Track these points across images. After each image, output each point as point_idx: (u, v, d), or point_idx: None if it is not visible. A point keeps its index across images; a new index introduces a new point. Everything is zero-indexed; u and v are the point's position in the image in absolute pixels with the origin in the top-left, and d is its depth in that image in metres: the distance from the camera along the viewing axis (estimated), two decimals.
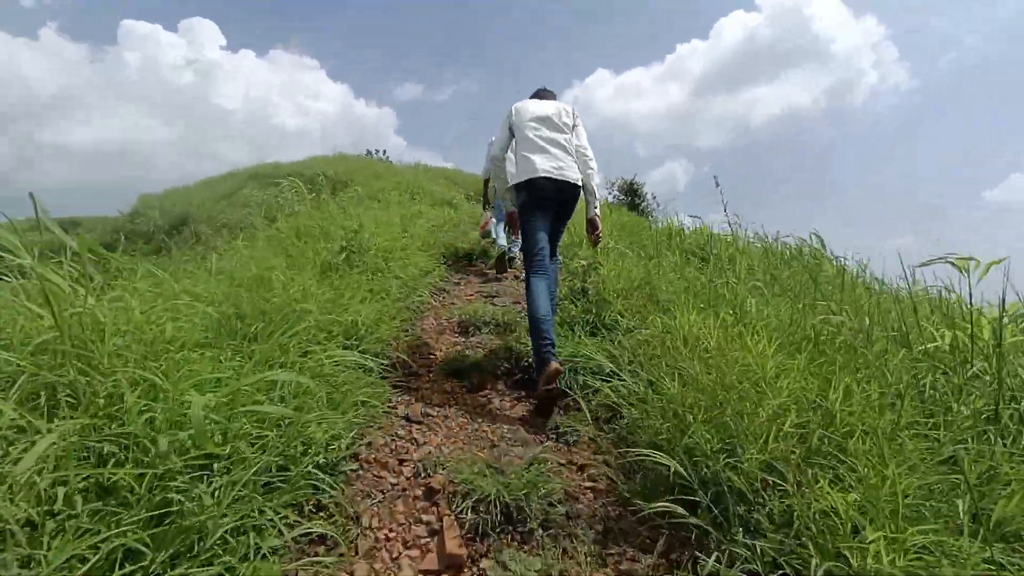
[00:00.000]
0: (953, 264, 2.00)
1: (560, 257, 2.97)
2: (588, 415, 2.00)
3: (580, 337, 2.76)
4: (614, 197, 11.93)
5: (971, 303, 1.98)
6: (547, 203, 2.63)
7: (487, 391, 2.56)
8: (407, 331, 2.97)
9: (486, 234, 5.44)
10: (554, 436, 2.06)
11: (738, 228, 5.00)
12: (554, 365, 2.19)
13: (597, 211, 2.79)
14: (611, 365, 2.24)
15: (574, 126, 2.77)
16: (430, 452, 1.92)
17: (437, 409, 2.34)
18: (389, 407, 2.24)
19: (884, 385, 1.71)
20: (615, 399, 1.87)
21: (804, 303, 2.49)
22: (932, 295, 2.45)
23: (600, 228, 2.82)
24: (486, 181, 5.35)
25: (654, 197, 12.24)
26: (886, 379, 1.73)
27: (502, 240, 5.21)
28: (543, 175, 2.56)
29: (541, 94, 2.96)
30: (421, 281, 3.84)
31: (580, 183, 2.66)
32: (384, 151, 20.59)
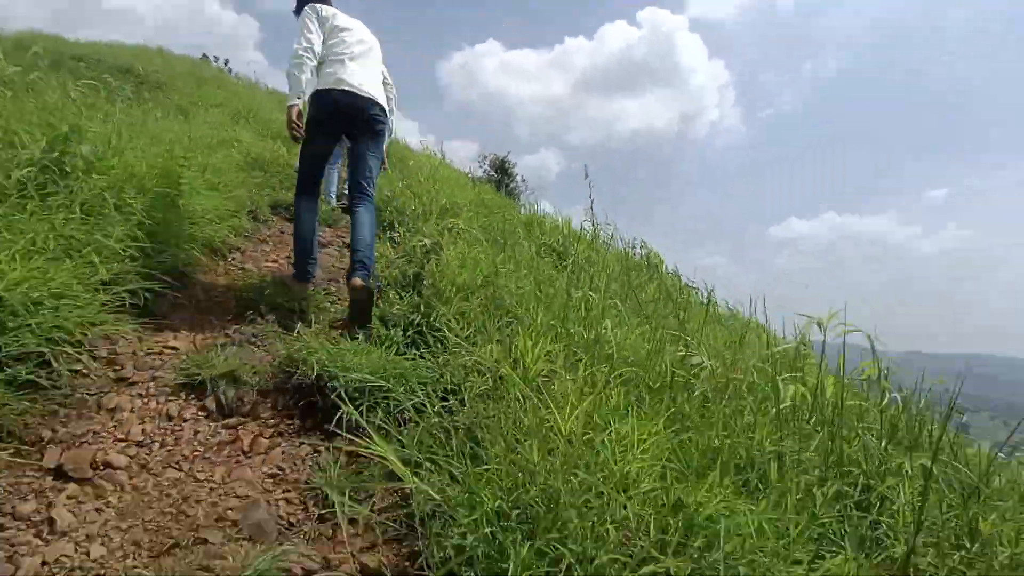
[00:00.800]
0: (810, 318, 1.82)
1: (373, 195, 2.65)
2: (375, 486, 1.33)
3: (396, 344, 2.07)
4: (484, 172, 11.40)
5: (823, 356, 1.82)
6: (344, 121, 2.57)
7: (243, 418, 1.73)
8: (127, 308, 1.92)
9: None
10: (314, 519, 1.34)
11: (599, 227, 4.80)
12: (307, 287, 2.56)
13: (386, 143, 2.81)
14: (416, 400, 1.60)
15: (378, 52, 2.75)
16: (68, 561, 1.06)
17: (136, 452, 1.45)
18: (25, 448, 1.29)
19: (746, 457, 1.40)
20: (408, 480, 1.20)
21: (661, 330, 2.16)
22: (778, 335, 2.33)
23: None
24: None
25: (524, 180, 12.03)
26: (750, 453, 1.40)
27: (333, 191, 4.25)
28: (347, 89, 2.47)
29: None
30: (197, 229, 2.72)
31: (386, 107, 2.65)
32: (227, 60, 16.90)
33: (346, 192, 3.74)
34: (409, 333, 2.17)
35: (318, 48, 2.48)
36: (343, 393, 1.62)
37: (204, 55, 15.85)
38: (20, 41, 9.93)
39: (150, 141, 2.93)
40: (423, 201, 3.97)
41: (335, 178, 4.83)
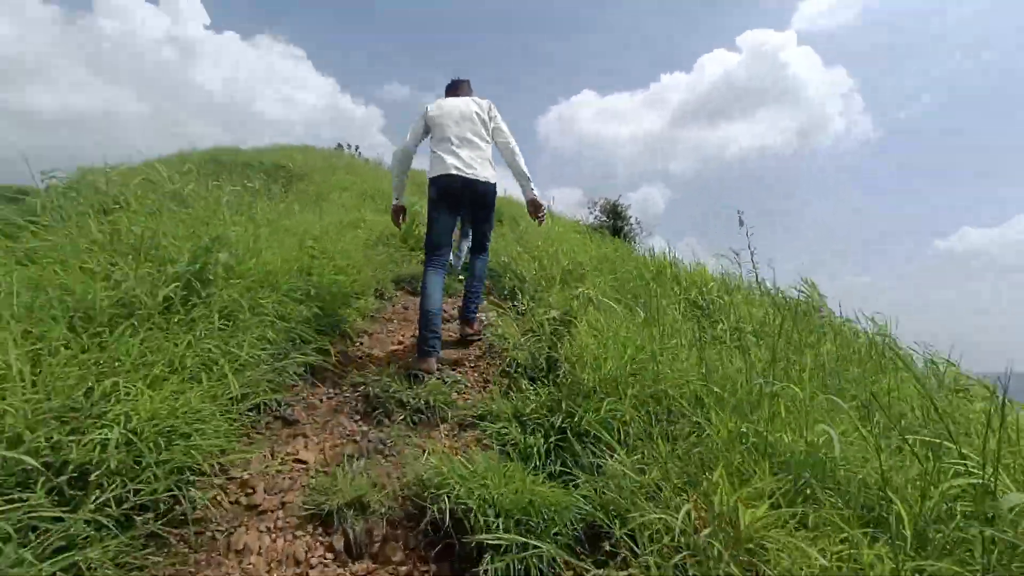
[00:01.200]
0: None
1: (488, 252, 3.02)
2: None
3: (538, 454, 1.69)
4: (595, 219, 10.98)
5: None
6: (455, 200, 2.75)
7: (372, 563, 1.45)
8: (255, 425, 1.80)
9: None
10: None
11: (743, 269, 4.07)
12: (431, 363, 2.48)
13: (535, 191, 2.88)
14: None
15: (492, 121, 2.87)
16: None
17: None
18: None
19: None
20: None
21: (909, 439, 1.49)
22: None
23: (543, 208, 2.94)
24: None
25: (638, 221, 11.38)
26: None
27: (459, 264, 4.19)
28: (454, 172, 2.66)
29: (457, 85, 3.02)
30: (326, 319, 2.70)
31: (492, 181, 2.79)
32: (357, 147, 19.20)
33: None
34: (551, 439, 1.79)
35: (411, 147, 2.87)
36: (484, 541, 1.27)
37: (339, 144, 18.13)
38: (215, 155, 12.20)
39: (286, 235, 3.07)
40: (543, 264, 3.69)
41: (463, 250, 4.79)
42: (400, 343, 3.05)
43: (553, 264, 3.61)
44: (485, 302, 3.54)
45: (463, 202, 2.77)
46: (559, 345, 2.32)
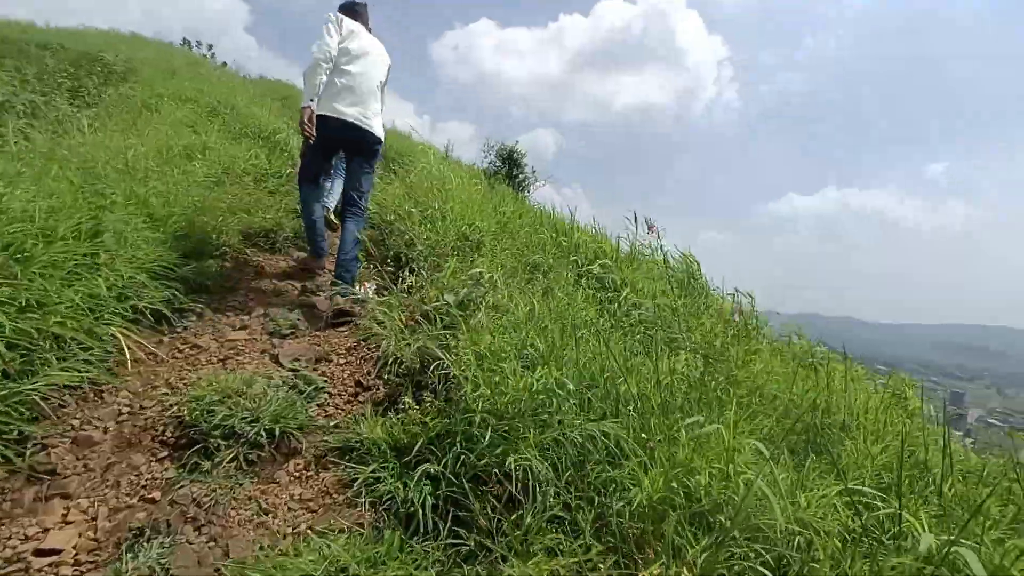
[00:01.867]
0: None
1: (364, 213, 2.81)
2: None
3: (421, 529, 1.28)
4: (491, 164, 10.37)
5: None
6: (341, 146, 2.80)
7: None
8: None
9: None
10: None
11: (638, 239, 3.96)
12: (322, 261, 2.99)
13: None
14: None
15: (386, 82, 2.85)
16: None
17: None
18: None
19: None
20: None
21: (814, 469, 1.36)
22: None
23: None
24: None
25: (533, 170, 10.94)
26: None
27: (333, 196, 3.59)
28: (350, 121, 2.61)
29: (357, 8, 2.84)
30: (118, 305, 1.88)
31: (382, 137, 2.76)
32: (210, 46, 15.63)
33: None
34: (441, 489, 1.37)
35: (335, 54, 2.59)
36: None
37: (185, 40, 14.58)
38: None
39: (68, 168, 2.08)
40: (437, 229, 3.13)
41: (337, 191, 4.00)
42: (231, 347, 2.13)
43: (448, 230, 3.07)
44: (362, 268, 2.91)
45: (349, 149, 2.76)
46: (454, 346, 1.87)
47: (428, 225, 3.19)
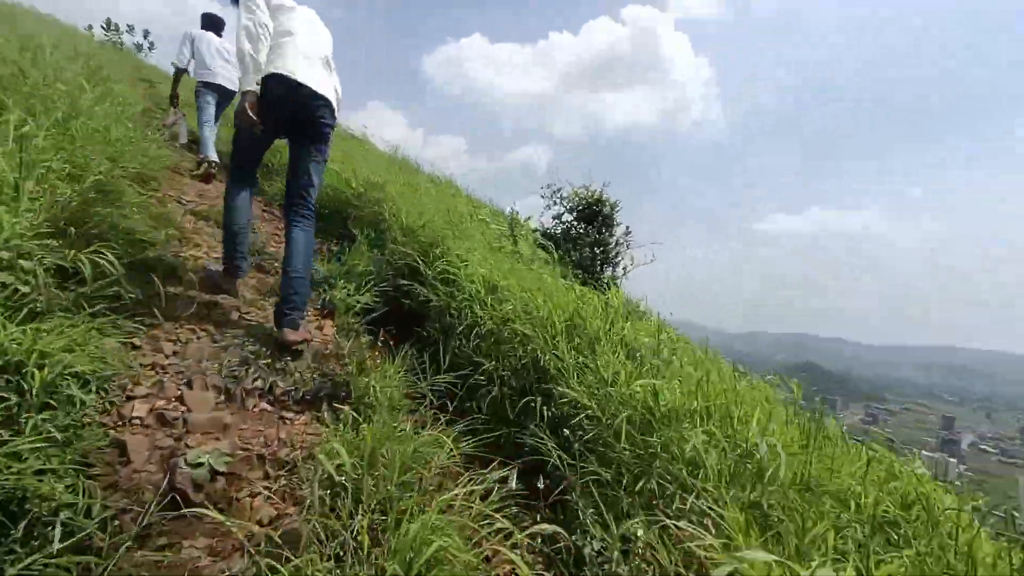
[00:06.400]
0: None
1: (314, 215, 2.22)
2: None
3: None
4: (559, 220, 5.43)
5: None
6: (288, 114, 2.11)
7: None
8: None
9: (171, 136, 4.40)
10: None
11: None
12: (236, 283, 2.25)
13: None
14: None
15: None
16: None
17: None
18: None
19: None
20: None
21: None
22: None
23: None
24: (180, 71, 4.37)
25: (628, 231, 5.30)
26: None
27: (211, 148, 4.01)
28: (294, 77, 2.05)
29: None
30: None
31: (335, 103, 2.21)
32: (147, 33, 13.02)
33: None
34: None
35: (270, 24, 2.09)
36: None
37: (108, 22, 11.06)
38: None
39: None
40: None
41: (209, 137, 4.21)
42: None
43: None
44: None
45: (297, 124, 2.15)
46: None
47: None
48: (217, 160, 4.08)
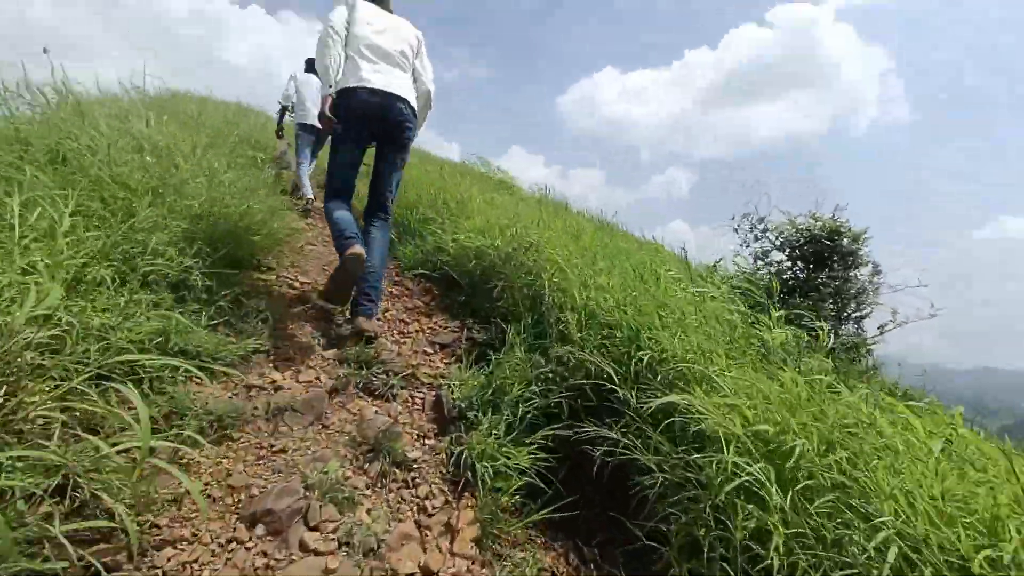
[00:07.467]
0: None
1: (391, 217, 2.38)
2: None
3: None
4: (776, 266, 3.70)
5: None
6: (365, 124, 2.21)
7: None
8: None
9: (283, 165, 5.05)
10: None
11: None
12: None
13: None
14: None
15: (419, 57, 2.41)
16: None
17: None
18: None
19: None
20: None
21: None
22: None
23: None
24: (284, 108, 4.96)
25: (877, 270, 3.59)
26: None
27: (307, 186, 4.43)
28: (368, 86, 2.15)
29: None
30: None
31: (414, 109, 2.30)
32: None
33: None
34: None
35: (342, 31, 2.19)
36: None
37: None
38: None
39: None
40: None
41: (308, 165, 4.69)
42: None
43: None
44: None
45: (379, 133, 2.26)
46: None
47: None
48: (313, 196, 4.43)
